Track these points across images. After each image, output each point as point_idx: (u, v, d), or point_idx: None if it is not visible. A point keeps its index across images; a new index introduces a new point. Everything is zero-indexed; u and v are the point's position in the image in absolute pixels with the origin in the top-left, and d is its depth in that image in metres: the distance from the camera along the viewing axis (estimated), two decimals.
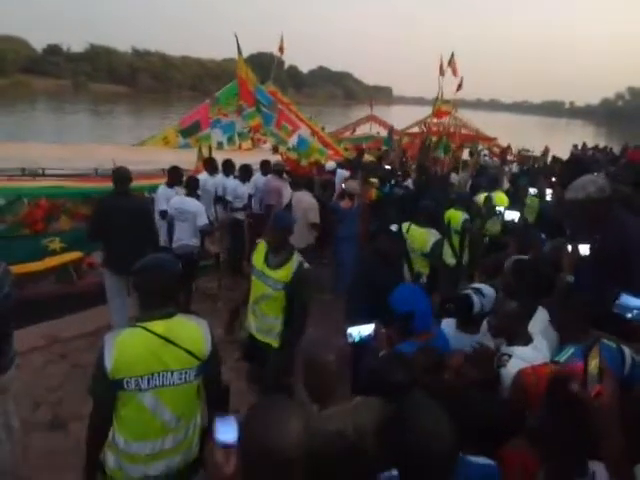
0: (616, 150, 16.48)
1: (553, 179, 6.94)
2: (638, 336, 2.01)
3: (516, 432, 1.56)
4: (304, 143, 7.58)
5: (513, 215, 4.18)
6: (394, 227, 4.32)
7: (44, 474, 2.81)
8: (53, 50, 63.87)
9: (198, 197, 5.19)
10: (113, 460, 1.84)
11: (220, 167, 6.30)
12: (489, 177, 7.27)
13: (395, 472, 1.29)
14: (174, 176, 5.29)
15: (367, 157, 10.50)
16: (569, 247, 2.71)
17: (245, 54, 8.16)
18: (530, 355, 1.98)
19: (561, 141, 24.42)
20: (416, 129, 16.39)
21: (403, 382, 1.64)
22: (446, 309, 2.48)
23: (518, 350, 2.02)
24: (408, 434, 1.19)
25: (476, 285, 2.62)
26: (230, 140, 8.40)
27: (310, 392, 1.59)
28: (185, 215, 4.84)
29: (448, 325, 2.51)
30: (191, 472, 1.95)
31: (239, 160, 6.59)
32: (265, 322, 2.91)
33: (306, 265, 2.86)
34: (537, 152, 16.92)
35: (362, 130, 17.47)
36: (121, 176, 4.10)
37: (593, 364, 1.29)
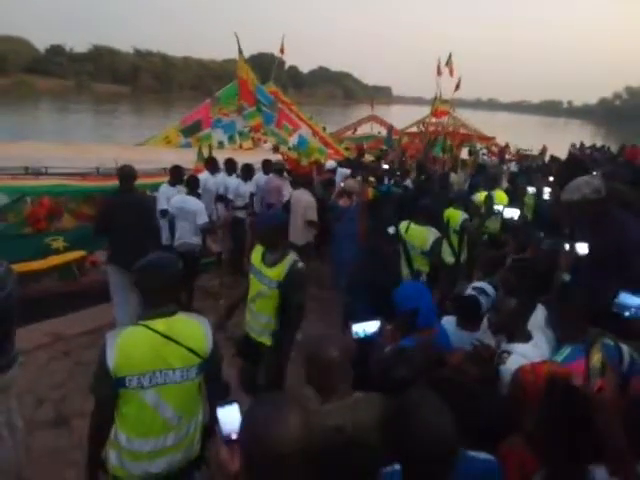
0: (614, 149, 16.45)
1: (551, 178, 6.94)
2: (636, 334, 2.02)
3: (514, 429, 1.58)
4: (304, 143, 7.59)
5: (513, 213, 4.18)
6: (391, 229, 4.34)
7: (47, 471, 2.82)
8: (56, 50, 63.99)
9: (199, 196, 5.22)
10: (115, 457, 1.85)
11: (222, 166, 6.33)
12: (488, 176, 7.27)
13: (397, 467, 1.30)
14: (176, 175, 5.34)
15: (367, 157, 10.52)
16: (567, 246, 2.72)
17: (246, 54, 8.17)
18: (530, 352, 1.99)
19: (559, 140, 24.37)
20: (414, 129, 16.41)
21: (406, 377, 1.65)
22: (455, 307, 2.51)
23: (518, 347, 2.04)
24: (411, 429, 1.19)
25: (478, 285, 2.63)
26: (231, 139, 8.41)
27: (312, 387, 1.60)
28: (186, 214, 4.87)
29: (448, 322, 2.53)
30: (192, 469, 1.97)
31: (240, 159, 6.61)
32: (259, 321, 2.91)
33: (300, 264, 2.80)
34: (535, 152, 16.92)
35: (363, 130, 17.49)
36: (126, 174, 4.23)
37: (596, 358, 1.30)
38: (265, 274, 2.84)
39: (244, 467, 1.20)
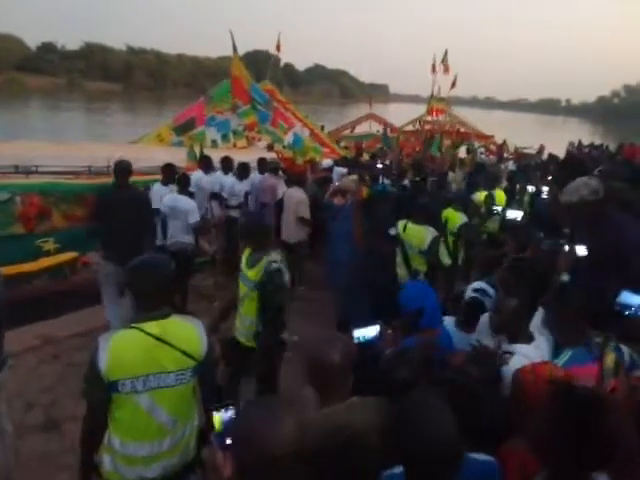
0: (612, 147, 16.56)
1: (549, 177, 6.95)
2: (636, 334, 2.01)
3: (515, 430, 1.55)
4: (299, 141, 7.56)
5: (516, 214, 4.17)
6: (392, 230, 4.32)
7: (37, 475, 2.77)
8: (47, 48, 63.36)
9: (191, 194, 5.17)
10: (109, 462, 1.81)
11: (218, 164, 6.28)
12: (488, 175, 7.23)
13: (398, 470, 1.29)
14: (169, 174, 5.26)
15: (365, 156, 10.50)
16: (566, 247, 2.72)
17: (241, 52, 8.14)
18: (532, 353, 1.98)
19: (557, 139, 24.48)
20: (410, 127, 16.43)
21: (407, 379, 1.64)
22: (458, 309, 2.50)
23: (521, 348, 2.03)
24: (413, 430, 1.19)
25: (478, 286, 2.63)
26: (224, 138, 8.37)
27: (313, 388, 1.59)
28: (177, 213, 4.83)
29: (447, 323, 2.53)
30: (188, 473, 1.94)
31: (234, 158, 6.58)
32: (244, 324, 2.90)
33: (275, 265, 2.76)
34: (534, 150, 16.96)
35: (362, 128, 17.45)
36: (122, 169, 4.18)
37: (609, 358, 1.30)
38: (246, 275, 2.84)
39: (236, 472, 1.19)
